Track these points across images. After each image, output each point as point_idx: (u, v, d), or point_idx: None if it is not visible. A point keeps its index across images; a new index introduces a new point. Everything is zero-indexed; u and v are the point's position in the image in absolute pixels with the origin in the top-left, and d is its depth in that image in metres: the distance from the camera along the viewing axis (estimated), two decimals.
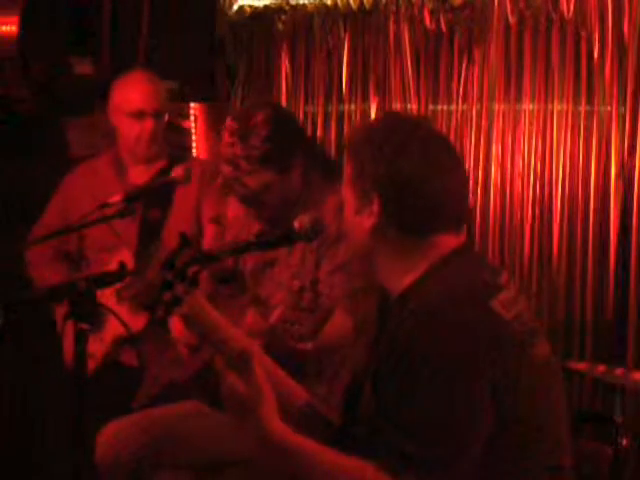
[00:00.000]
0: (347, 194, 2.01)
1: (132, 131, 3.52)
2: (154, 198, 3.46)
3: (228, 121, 2.92)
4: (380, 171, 1.93)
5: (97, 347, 3.35)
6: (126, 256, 3.28)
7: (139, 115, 3.49)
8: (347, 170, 2.01)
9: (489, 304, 1.87)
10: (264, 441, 1.74)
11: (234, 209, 3.13)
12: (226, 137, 2.88)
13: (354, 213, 1.98)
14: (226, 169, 2.87)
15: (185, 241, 2.17)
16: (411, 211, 1.93)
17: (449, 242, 1.96)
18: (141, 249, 3.41)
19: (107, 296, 2.93)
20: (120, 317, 2.41)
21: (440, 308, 1.84)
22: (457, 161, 2.01)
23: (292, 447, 1.75)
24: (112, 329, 3.22)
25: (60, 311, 3.39)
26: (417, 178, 1.93)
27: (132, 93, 3.51)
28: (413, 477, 1.74)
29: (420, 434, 1.76)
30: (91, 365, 3.29)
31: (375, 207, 1.94)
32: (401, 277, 1.96)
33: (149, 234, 3.46)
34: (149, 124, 3.49)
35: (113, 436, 2.98)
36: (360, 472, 1.77)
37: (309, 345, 2.68)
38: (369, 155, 1.95)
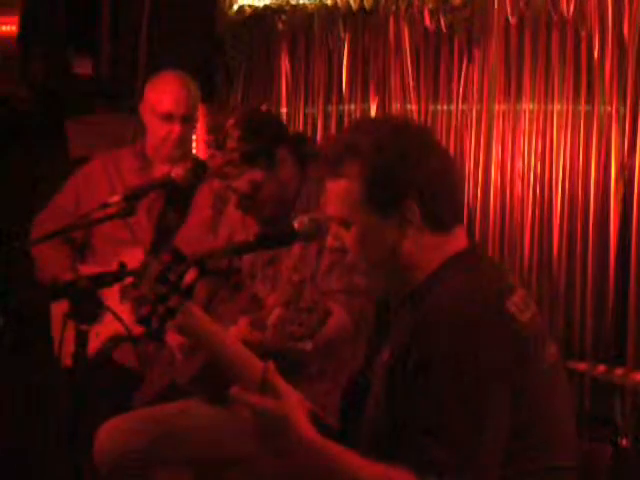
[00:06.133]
0: (357, 216, 1.91)
1: (160, 132, 3.53)
2: (175, 202, 3.46)
3: (205, 137, 2.97)
4: (414, 172, 1.90)
5: (92, 341, 3.34)
6: (138, 254, 3.25)
7: (168, 118, 3.50)
8: (352, 189, 1.91)
9: (506, 305, 1.86)
10: (302, 449, 1.70)
11: None
12: (207, 151, 2.92)
13: (375, 230, 1.91)
14: (215, 183, 2.91)
15: (178, 255, 2.17)
16: (444, 206, 1.93)
17: (464, 235, 1.98)
18: (152, 250, 3.40)
19: (112, 293, 2.93)
20: (121, 318, 2.41)
21: (462, 308, 1.83)
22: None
23: (329, 452, 1.72)
24: (110, 326, 3.19)
25: (56, 308, 3.39)
26: (443, 171, 1.94)
27: (164, 94, 3.52)
28: None
29: (448, 438, 1.74)
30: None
31: (411, 212, 1.89)
32: (416, 273, 1.93)
33: (163, 237, 3.46)
34: (177, 128, 3.50)
35: (113, 432, 2.97)
36: (387, 474, 1.74)
37: (309, 345, 2.69)
38: (393, 161, 1.89)
